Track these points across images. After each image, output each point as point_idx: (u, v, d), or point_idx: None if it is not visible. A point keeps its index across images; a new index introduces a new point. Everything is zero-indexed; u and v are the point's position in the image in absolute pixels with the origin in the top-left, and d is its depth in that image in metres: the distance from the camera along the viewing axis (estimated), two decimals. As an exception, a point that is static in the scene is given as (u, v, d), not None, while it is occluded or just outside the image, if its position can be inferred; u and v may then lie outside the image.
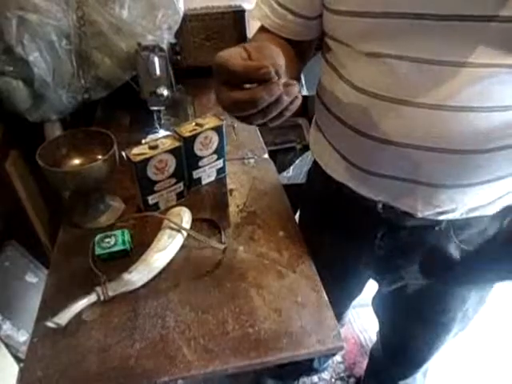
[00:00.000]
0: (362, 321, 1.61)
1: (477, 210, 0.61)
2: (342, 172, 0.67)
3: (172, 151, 0.72)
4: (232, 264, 0.68)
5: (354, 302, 1.10)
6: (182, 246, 0.70)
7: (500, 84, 0.47)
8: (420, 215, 0.62)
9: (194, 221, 0.74)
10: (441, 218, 0.62)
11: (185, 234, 0.69)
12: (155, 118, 1.00)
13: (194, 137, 0.77)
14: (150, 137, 0.96)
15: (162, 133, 0.98)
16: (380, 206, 0.65)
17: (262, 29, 0.67)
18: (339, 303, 0.97)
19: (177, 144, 0.73)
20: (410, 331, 0.88)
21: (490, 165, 0.54)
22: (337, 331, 0.59)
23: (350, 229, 0.75)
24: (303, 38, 0.66)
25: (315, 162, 0.78)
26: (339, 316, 1.08)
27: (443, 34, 0.47)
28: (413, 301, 0.80)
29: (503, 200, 0.61)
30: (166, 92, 0.94)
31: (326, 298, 0.63)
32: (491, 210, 0.62)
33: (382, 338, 1.07)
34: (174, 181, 0.76)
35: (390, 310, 0.91)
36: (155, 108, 0.98)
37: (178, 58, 1.16)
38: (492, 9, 0.43)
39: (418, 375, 1.04)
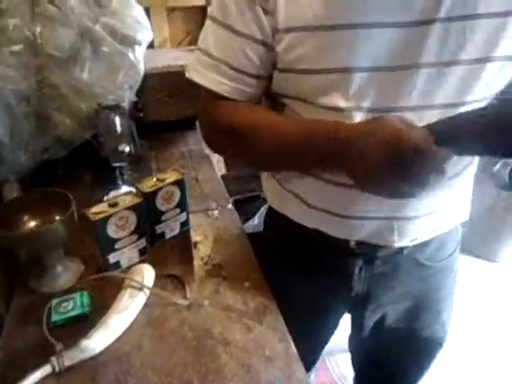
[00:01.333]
0: (341, 368, 1.57)
1: (438, 229, 0.67)
2: (313, 219, 0.68)
3: (132, 208, 0.72)
4: (197, 320, 0.66)
5: (333, 349, 1.07)
6: (145, 305, 0.67)
7: None
8: (396, 246, 0.66)
9: (157, 277, 0.73)
10: (412, 243, 0.67)
11: (147, 292, 0.68)
12: (117, 174, 1.00)
13: (156, 192, 0.77)
14: (113, 193, 0.96)
15: (125, 189, 0.98)
16: (353, 243, 0.67)
17: (215, 96, 0.61)
18: (313, 349, 0.95)
19: (137, 200, 0.73)
20: (396, 363, 0.86)
21: (451, 187, 0.63)
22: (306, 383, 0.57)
23: (320, 270, 0.75)
24: (258, 99, 0.66)
25: (272, 210, 0.78)
26: (314, 362, 1.04)
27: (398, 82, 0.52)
28: (392, 331, 0.79)
29: (459, 215, 0.70)
30: (127, 148, 0.96)
31: (295, 349, 0.62)
32: (449, 227, 0.70)
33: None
34: (135, 237, 0.75)
35: (369, 349, 0.88)
36: (117, 164, 0.98)
37: (141, 114, 1.19)
38: (449, 56, 0.50)
39: None
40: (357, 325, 0.83)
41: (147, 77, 1.16)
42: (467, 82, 0.52)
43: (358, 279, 0.72)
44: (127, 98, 1.03)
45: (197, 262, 0.79)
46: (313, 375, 1.51)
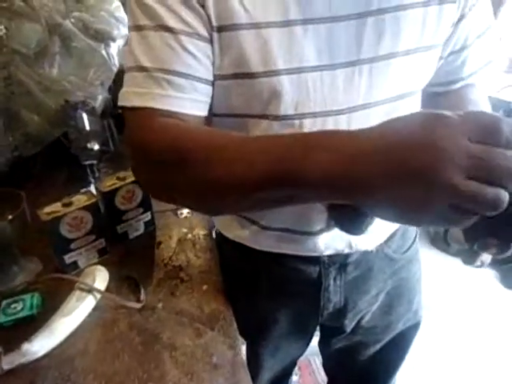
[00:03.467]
0: (328, 370, 1.54)
1: None
2: (278, 244, 0.64)
3: (87, 207, 0.70)
4: (147, 324, 0.64)
5: (317, 349, 1.04)
6: (95, 308, 0.66)
7: None
8: (368, 248, 0.64)
9: (113, 279, 0.71)
10: (383, 239, 0.66)
11: (97, 294, 0.66)
12: (89, 172, 0.98)
13: (114, 191, 0.75)
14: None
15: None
16: (324, 256, 0.64)
17: (156, 116, 0.46)
18: (289, 364, 0.92)
19: (93, 200, 0.71)
20: (373, 360, 0.83)
21: None
22: (251, 393, 0.55)
23: (293, 293, 0.70)
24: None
25: (222, 237, 0.73)
26: (291, 372, 1.01)
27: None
28: (368, 330, 0.77)
29: None
30: (96, 146, 0.94)
31: (244, 357, 0.60)
32: None
33: None
34: (92, 238, 0.74)
35: (345, 351, 0.84)
36: (87, 162, 0.97)
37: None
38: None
39: None
40: (333, 334, 0.80)
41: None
42: (406, 73, 0.51)
43: (334, 290, 0.68)
44: (100, 94, 1.01)
45: (157, 263, 0.77)
46: (296, 376, 1.49)
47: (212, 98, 0.50)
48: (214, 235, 0.84)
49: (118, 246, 0.80)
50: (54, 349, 0.60)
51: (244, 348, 0.80)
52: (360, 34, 0.47)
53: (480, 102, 0.60)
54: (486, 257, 0.52)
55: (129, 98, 0.47)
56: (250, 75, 0.47)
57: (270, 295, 0.71)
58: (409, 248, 0.74)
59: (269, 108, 0.50)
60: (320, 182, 0.35)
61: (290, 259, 0.65)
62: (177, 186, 0.45)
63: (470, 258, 0.39)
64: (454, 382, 1.59)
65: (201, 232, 0.85)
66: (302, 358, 0.99)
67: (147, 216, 0.83)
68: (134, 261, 0.78)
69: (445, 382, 1.59)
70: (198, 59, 0.46)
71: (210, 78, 0.48)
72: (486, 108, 0.62)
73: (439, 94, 0.63)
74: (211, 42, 0.46)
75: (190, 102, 0.47)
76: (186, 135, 0.44)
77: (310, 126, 0.51)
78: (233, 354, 0.60)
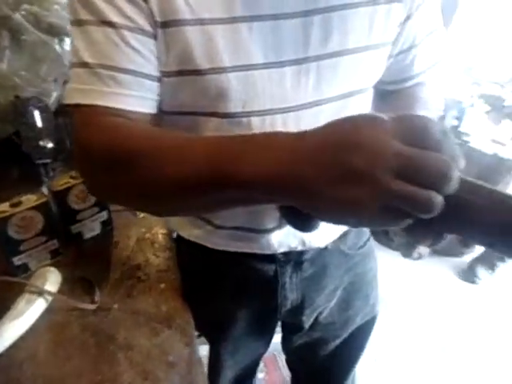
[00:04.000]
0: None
1: None
2: (233, 243, 0.64)
3: (37, 208, 0.68)
4: (102, 325, 0.63)
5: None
6: (47, 311, 0.64)
7: None
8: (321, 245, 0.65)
9: (67, 280, 0.69)
10: (337, 235, 0.67)
11: (48, 297, 0.64)
12: (42, 171, 0.95)
13: (67, 190, 0.73)
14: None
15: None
16: (279, 254, 0.65)
17: (101, 114, 0.45)
18: (251, 363, 0.91)
19: (43, 200, 0.69)
20: (333, 355, 0.85)
21: None
22: (206, 390, 0.55)
23: (249, 292, 0.70)
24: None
25: (181, 239, 0.73)
26: (255, 370, 1.02)
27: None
28: (326, 326, 0.78)
29: None
30: (50, 144, 0.91)
31: (199, 354, 0.60)
32: None
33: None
34: (44, 239, 0.71)
35: (305, 348, 0.85)
36: (41, 161, 0.93)
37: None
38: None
39: None
40: (293, 331, 0.81)
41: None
42: (355, 71, 0.52)
43: (291, 287, 0.69)
44: (54, 91, 0.97)
45: (114, 263, 0.76)
46: (262, 373, 1.50)
47: (160, 95, 0.49)
48: (173, 234, 0.83)
49: (73, 247, 0.78)
50: (2, 353, 0.57)
51: (202, 346, 0.80)
52: (307, 31, 0.48)
53: (429, 100, 0.62)
54: (424, 249, 0.54)
55: (73, 95, 0.45)
56: (197, 72, 0.47)
57: (228, 295, 0.71)
58: (364, 244, 0.75)
59: (216, 105, 0.49)
60: (253, 184, 0.35)
61: (245, 258, 0.65)
62: (119, 187, 0.44)
63: (407, 250, 0.40)
64: (411, 371, 1.65)
65: (160, 231, 0.84)
66: (267, 355, 1.00)
67: (103, 215, 0.81)
68: (89, 261, 0.76)
69: (401, 370, 1.65)
70: (142, 55, 0.45)
71: (156, 73, 0.47)
72: (436, 106, 0.64)
73: (391, 92, 0.65)
74: (156, 38, 0.45)
75: (135, 98, 0.46)
76: (129, 135, 0.43)
77: (258, 123, 0.51)
78: (189, 352, 0.60)
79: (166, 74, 0.48)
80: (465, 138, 2.11)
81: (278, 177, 0.33)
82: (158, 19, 0.44)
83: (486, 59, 2.62)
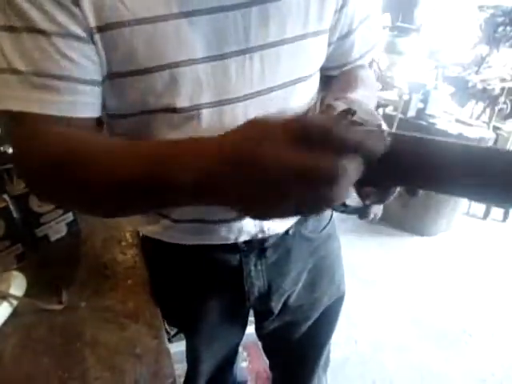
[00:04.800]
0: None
1: None
2: (192, 236, 0.65)
3: (-3, 213, 0.68)
4: (70, 324, 0.64)
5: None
6: (14, 314, 0.64)
7: None
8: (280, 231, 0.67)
9: (34, 283, 0.69)
10: (291, 224, 0.68)
11: (13, 301, 0.64)
12: (5, 177, 0.94)
13: (27, 194, 0.73)
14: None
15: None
16: (241, 243, 0.66)
17: (37, 121, 0.44)
18: (228, 352, 0.93)
19: (3, 204, 0.69)
20: (306, 337, 0.87)
21: None
22: (173, 379, 0.57)
23: (215, 283, 0.72)
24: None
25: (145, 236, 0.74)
26: (234, 358, 1.04)
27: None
28: (295, 309, 0.80)
29: None
30: (11, 150, 0.90)
31: (167, 344, 0.62)
32: None
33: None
34: (8, 243, 0.71)
35: (278, 333, 0.87)
36: (3, 167, 0.92)
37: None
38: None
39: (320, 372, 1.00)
40: (264, 317, 0.83)
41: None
42: (297, 59, 0.54)
43: (256, 275, 0.71)
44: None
45: (81, 264, 0.76)
46: (245, 363, 1.53)
47: (106, 98, 0.50)
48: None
49: (39, 250, 0.78)
50: (-32, 360, 0.58)
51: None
52: (247, 22, 0.49)
53: (369, 79, 0.66)
54: (378, 208, 0.56)
55: (5, 102, 0.44)
56: (142, 71, 0.48)
57: (195, 288, 0.72)
58: (325, 227, 0.77)
59: (165, 102, 0.51)
60: (181, 190, 0.35)
61: (208, 250, 0.66)
62: (55, 192, 0.45)
63: (363, 212, 0.43)
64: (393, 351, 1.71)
65: (127, 229, 0.85)
66: (250, 344, 1.02)
67: (69, 217, 0.82)
68: (56, 263, 0.76)
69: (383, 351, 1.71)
70: (74, 61, 0.45)
71: (95, 77, 0.47)
72: (375, 85, 0.68)
73: (332, 77, 0.68)
74: (93, 42, 0.46)
75: (70, 104, 0.46)
76: (62, 141, 0.43)
77: (208, 116, 0.52)
78: (156, 344, 0.61)
79: (110, 76, 0.49)
80: (431, 120, 2.17)
81: (200, 185, 0.34)
82: (94, 24, 0.45)
83: (449, 42, 2.68)
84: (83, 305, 0.67)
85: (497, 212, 2.71)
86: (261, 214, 0.35)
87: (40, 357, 0.59)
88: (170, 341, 1.39)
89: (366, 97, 0.55)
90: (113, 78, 0.49)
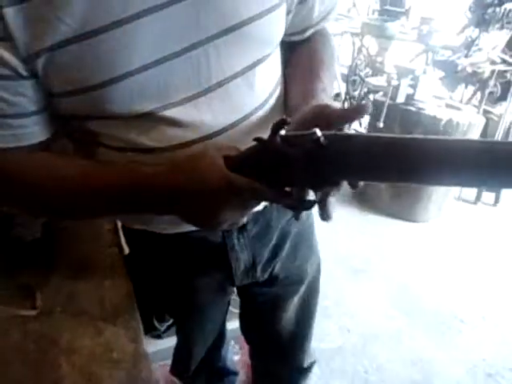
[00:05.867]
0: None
1: None
2: (175, 223, 0.63)
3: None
4: (44, 330, 0.61)
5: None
6: (-16, 321, 0.62)
7: None
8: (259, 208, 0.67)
9: (7, 287, 0.67)
10: None
11: (-17, 306, 0.62)
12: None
13: None
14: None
15: None
16: None
17: None
18: (215, 333, 0.93)
19: (-30, 207, 0.66)
20: (296, 315, 0.88)
21: None
22: (153, 382, 0.55)
23: (202, 265, 0.72)
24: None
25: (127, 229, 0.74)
26: (222, 344, 1.03)
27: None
28: (283, 280, 0.80)
29: None
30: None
31: (145, 348, 0.60)
32: None
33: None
34: (-22, 247, 0.68)
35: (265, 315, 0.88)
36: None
37: None
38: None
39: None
40: (252, 291, 0.83)
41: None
42: (256, 39, 0.52)
43: (240, 249, 0.71)
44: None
45: (57, 266, 0.74)
46: (237, 356, 1.52)
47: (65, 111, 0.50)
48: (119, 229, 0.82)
49: (12, 252, 0.75)
50: None
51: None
52: (197, 13, 0.47)
53: (328, 56, 0.65)
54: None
55: None
56: (93, 88, 0.46)
57: (183, 272, 0.73)
58: None
59: (125, 110, 0.49)
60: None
61: (191, 232, 0.65)
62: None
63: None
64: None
65: (105, 227, 0.82)
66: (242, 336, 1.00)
67: (44, 218, 0.78)
68: (30, 266, 0.74)
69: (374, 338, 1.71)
70: (7, 100, 0.46)
71: (32, 109, 0.48)
72: (333, 60, 0.67)
73: (294, 43, 0.66)
74: (32, 71, 0.44)
75: (12, 136, 0.48)
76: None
77: (173, 115, 0.51)
78: (134, 347, 0.59)
79: (63, 95, 0.48)
80: (420, 106, 2.15)
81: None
82: (30, 51, 0.43)
83: (438, 25, 2.65)
84: (58, 309, 0.65)
85: (488, 196, 2.71)
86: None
87: (13, 365, 0.57)
88: (160, 337, 1.38)
89: (329, 83, 0.59)
90: (64, 96, 0.48)
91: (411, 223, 2.46)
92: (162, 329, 1.36)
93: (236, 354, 1.52)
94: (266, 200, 0.50)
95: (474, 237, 2.39)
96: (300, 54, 0.66)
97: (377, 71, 2.90)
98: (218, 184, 0.44)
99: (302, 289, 0.84)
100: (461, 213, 2.62)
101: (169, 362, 1.10)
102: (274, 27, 0.55)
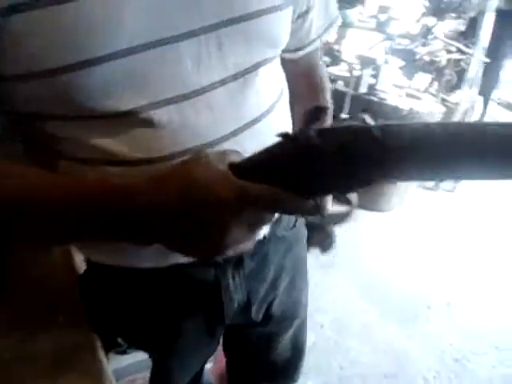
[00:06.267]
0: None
1: None
2: (160, 256, 0.55)
3: None
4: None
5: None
6: None
7: None
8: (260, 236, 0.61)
9: None
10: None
11: None
12: None
13: None
14: None
15: None
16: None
17: None
18: (198, 368, 0.86)
19: None
20: (293, 339, 0.82)
21: None
22: None
23: (192, 305, 0.63)
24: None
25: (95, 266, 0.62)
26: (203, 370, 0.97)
27: None
28: (280, 314, 0.75)
29: None
30: None
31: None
32: None
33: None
34: None
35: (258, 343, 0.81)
36: None
37: None
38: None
39: None
40: (243, 334, 0.78)
41: None
42: (261, 37, 0.48)
43: (235, 288, 0.62)
44: None
45: (7, 303, 0.64)
46: (209, 364, 1.47)
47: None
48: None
49: None
50: None
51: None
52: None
53: (325, 76, 0.68)
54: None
55: None
56: (61, 70, 0.37)
57: (169, 312, 0.62)
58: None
59: (100, 107, 0.40)
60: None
61: (180, 269, 0.56)
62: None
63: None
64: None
65: (59, 259, 0.73)
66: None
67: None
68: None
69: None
70: None
71: None
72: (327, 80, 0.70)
73: (291, 61, 0.64)
74: None
75: None
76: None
77: (163, 117, 0.43)
78: (99, 396, 0.52)
79: (17, 79, 0.38)
80: (382, 96, 2.15)
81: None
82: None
83: (395, 13, 2.66)
84: (8, 356, 0.56)
85: (446, 183, 2.79)
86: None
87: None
88: (125, 352, 1.30)
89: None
90: (23, 80, 0.38)
91: (376, 213, 2.49)
92: (126, 345, 1.27)
93: (209, 361, 1.47)
94: (284, 210, 0.40)
95: (436, 223, 2.46)
96: (299, 81, 0.65)
97: (335, 60, 2.88)
98: (227, 193, 0.34)
99: (298, 321, 0.79)
100: (422, 200, 2.69)
101: (137, 376, 1.04)
102: (281, 28, 0.51)
